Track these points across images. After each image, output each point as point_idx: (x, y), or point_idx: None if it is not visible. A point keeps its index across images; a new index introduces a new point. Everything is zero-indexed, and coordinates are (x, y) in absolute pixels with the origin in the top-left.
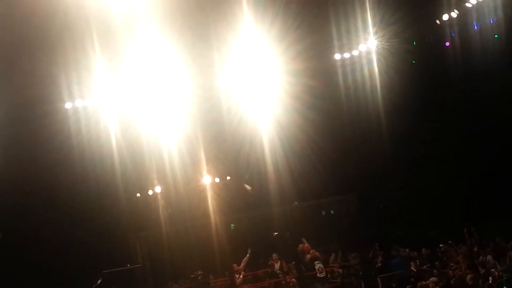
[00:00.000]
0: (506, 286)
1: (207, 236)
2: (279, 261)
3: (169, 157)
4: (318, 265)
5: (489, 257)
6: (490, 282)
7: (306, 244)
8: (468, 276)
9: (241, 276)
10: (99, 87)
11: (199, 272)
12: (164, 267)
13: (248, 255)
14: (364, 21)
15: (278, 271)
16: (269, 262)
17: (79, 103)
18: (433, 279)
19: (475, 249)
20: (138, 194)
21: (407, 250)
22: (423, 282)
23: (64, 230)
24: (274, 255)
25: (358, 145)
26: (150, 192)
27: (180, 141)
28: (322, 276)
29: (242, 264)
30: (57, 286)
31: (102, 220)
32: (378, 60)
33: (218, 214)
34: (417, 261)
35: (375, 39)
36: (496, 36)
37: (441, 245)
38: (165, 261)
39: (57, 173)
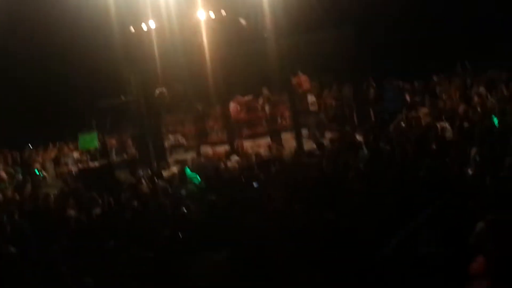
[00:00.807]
0: (496, 117)
1: (202, 70)
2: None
3: None
4: (311, 98)
5: (481, 89)
6: (481, 113)
7: (302, 77)
8: (460, 107)
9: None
10: None
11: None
12: (158, 100)
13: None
14: None
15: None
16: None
17: None
18: (424, 110)
19: (468, 81)
20: (132, 29)
21: (400, 82)
22: (415, 113)
23: (57, 64)
24: (264, 90)
25: None
26: (144, 28)
27: None
28: (315, 109)
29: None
30: (53, 118)
31: (95, 55)
32: None
33: (213, 49)
34: (410, 93)
35: None
36: None
37: (434, 77)
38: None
39: (48, 11)
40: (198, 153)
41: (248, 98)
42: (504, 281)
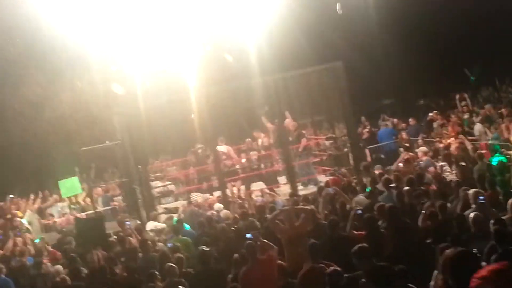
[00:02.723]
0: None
1: (187, 110)
2: (262, 135)
3: (144, 28)
4: (302, 138)
5: (478, 126)
6: (479, 151)
7: (289, 119)
8: (453, 147)
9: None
10: None
11: (199, 146)
12: (144, 143)
13: None
14: None
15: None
16: (254, 134)
17: None
18: (422, 149)
19: (465, 117)
20: (114, 68)
21: (395, 120)
22: (411, 153)
23: (37, 107)
24: (256, 132)
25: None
26: (127, 67)
27: (156, 12)
28: (307, 151)
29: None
30: (36, 168)
31: (77, 97)
32: None
33: (197, 87)
34: (406, 131)
35: None
36: None
37: (430, 114)
38: (145, 137)
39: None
40: (189, 201)
41: (238, 141)
42: None
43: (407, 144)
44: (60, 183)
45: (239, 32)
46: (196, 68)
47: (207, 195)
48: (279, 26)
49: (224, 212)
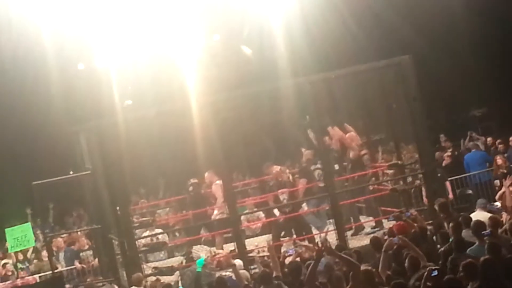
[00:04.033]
0: None
1: (185, 127)
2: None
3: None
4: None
5: None
6: None
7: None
8: None
9: None
10: None
11: (192, 181)
12: (124, 174)
13: None
14: None
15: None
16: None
17: None
18: None
19: None
20: (81, 66)
21: (489, 139)
22: None
23: None
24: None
25: None
26: (99, 63)
27: None
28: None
29: None
30: None
31: (29, 110)
32: None
33: (201, 94)
34: (505, 155)
35: None
36: None
37: None
38: (125, 165)
39: None
40: (189, 257)
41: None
42: None
43: (504, 171)
44: (7, 232)
45: (262, 14)
46: (199, 66)
47: (214, 248)
48: (318, 4)
49: (242, 273)
